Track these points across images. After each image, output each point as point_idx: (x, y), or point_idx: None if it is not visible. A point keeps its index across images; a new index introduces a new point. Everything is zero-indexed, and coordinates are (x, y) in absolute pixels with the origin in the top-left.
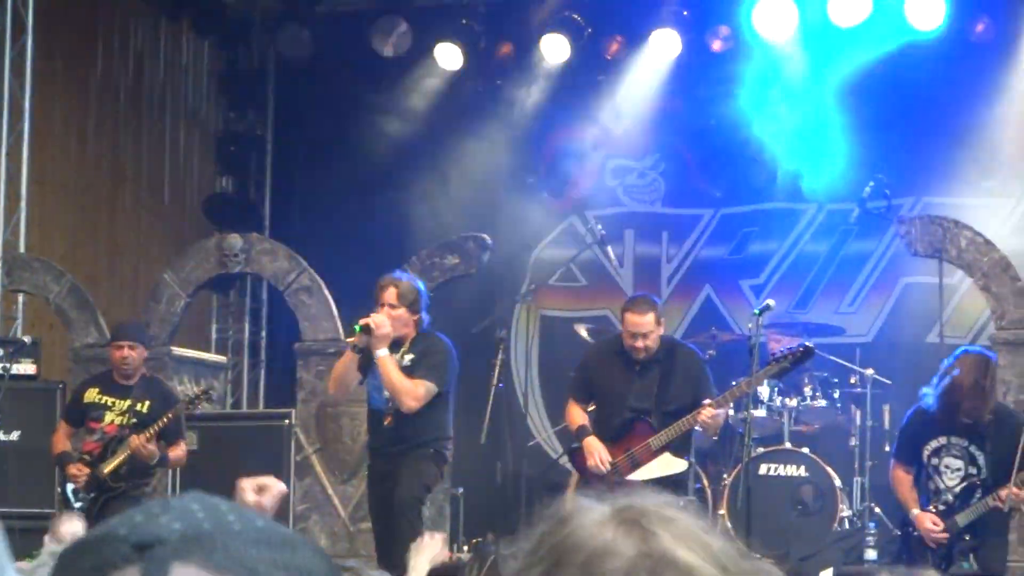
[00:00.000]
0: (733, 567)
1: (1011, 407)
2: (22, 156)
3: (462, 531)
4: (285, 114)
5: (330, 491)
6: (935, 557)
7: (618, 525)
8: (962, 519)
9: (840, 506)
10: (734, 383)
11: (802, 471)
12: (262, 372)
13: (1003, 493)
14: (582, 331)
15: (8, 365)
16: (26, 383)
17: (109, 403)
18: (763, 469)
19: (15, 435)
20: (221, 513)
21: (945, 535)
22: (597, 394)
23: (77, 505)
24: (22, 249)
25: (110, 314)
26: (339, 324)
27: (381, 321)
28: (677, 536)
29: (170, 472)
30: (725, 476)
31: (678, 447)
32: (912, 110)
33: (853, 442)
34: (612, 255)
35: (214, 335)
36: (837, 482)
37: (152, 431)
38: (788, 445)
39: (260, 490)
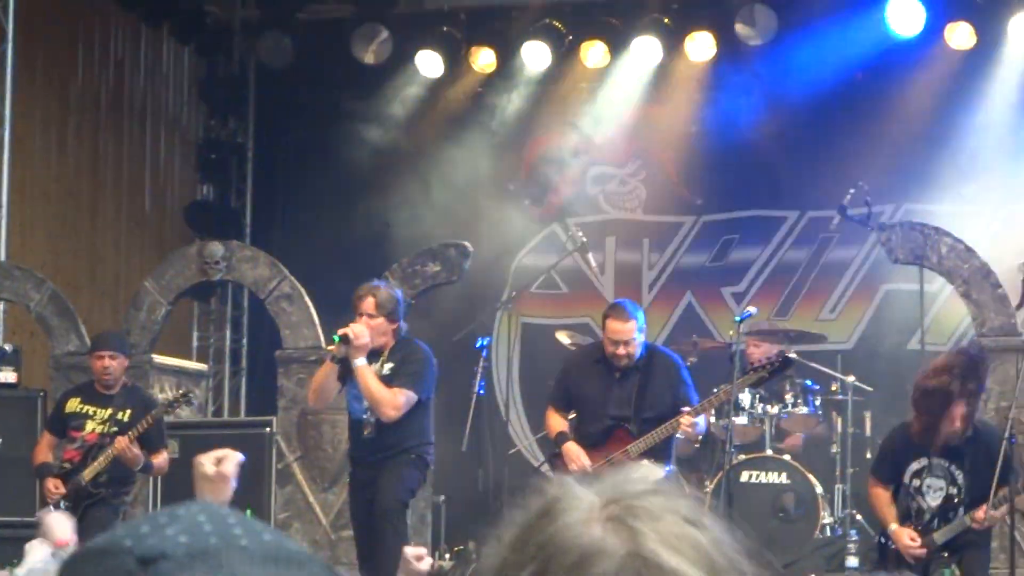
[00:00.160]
0: (724, 563)
1: (991, 423)
2: (2, 163)
3: (444, 538)
4: (266, 121)
5: (311, 499)
6: (914, 570)
7: (606, 522)
8: (940, 536)
9: (822, 513)
10: (715, 390)
11: (783, 478)
12: (243, 380)
13: (979, 514)
14: (563, 338)
15: None
16: (6, 391)
17: (90, 412)
18: (744, 476)
19: None
20: (228, 526)
21: (923, 551)
22: (576, 402)
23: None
24: (2, 257)
25: (91, 322)
26: (320, 332)
27: (360, 331)
28: (665, 536)
29: (151, 480)
30: (707, 483)
31: (658, 454)
32: (892, 116)
33: (834, 449)
34: (593, 262)
35: (195, 343)
36: (819, 489)
37: (134, 433)
38: (769, 452)
39: (218, 461)
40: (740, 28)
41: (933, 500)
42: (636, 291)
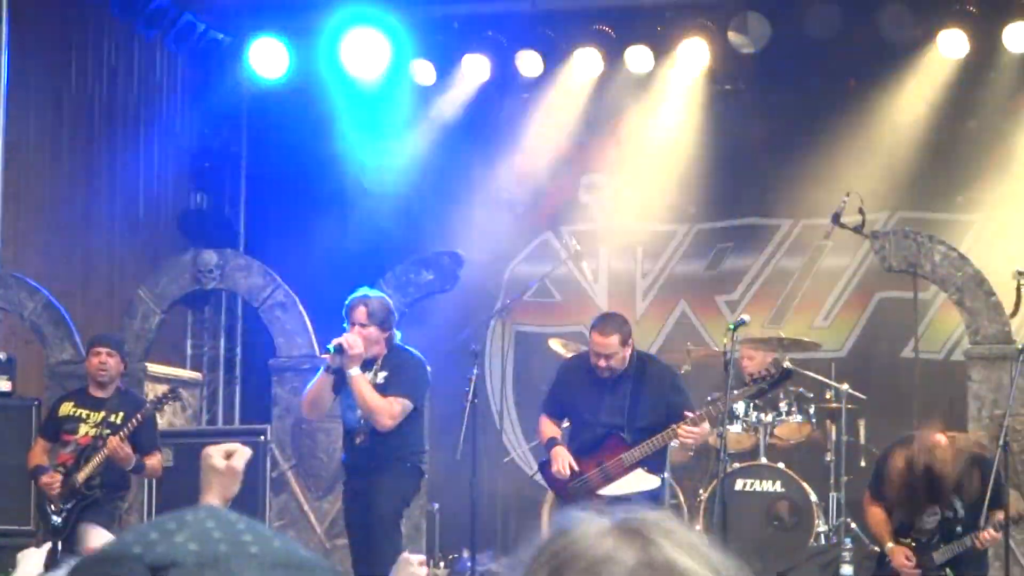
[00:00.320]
0: None
1: (988, 456)
2: None
3: (438, 547)
4: (260, 129)
5: (306, 507)
6: None
7: (619, 535)
8: (939, 556)
9: (816, 521)
10: (709, 399)
11: (778, 487)
12: (237, 388)
13: (984, 535)
14: (557, 346)
15: None
16: (1, 400)
17: (83, 415)
18: (739, 485)
19: None
20: (237, 533)
21: (918, 571)
22: (569, 409)
23: (55, 520)
24: None
25: (85, 330)
26: (314, 340)
27: (353, 341)
28: (677, 546)
29: (145, 487)
30: (701, 491)
31: (652, 463)
32: (886, 125)
33: (829, 457)
34: (587, 270)
35: (189, 351)
36: (813, 497)
37: (126, 432)
38: (764, 461)
39: (228, 455)
40: (733, 36)
41: (928, 523)
42: (630, 299)
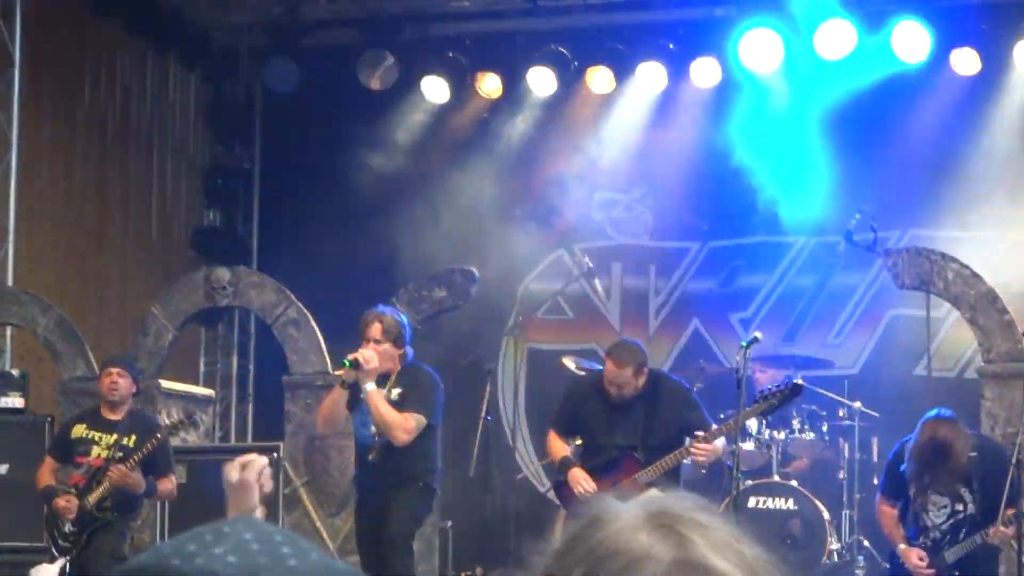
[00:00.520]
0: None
1: (998, 443)
2: (9, 189)
3: (451, 564)
4: (272, 147)
5: (318, 524)
6: None
7: (653, 530)
8: (951, 555)
9: (829, 539)
10: (722, 416)
11: (791, 504)
12: (250, 405)
13: (992, 531)
14: (569, 364)
15: None
16: (14, 416)
17: (96, 438)
18: (752, 502)
19: (3, 469)
20: (275, 545)
21: (932, 571)
22: (582, 429)
23: (64, 544)
24: (10, 282)
25: (98, 347)
26: (327, 357)
27: (369, 356)
28: (712, 543)
29: (158, 505)
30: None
31: (667, 481)
32: (898, 142)
33: (842, 475)
34: (600, 288)
35: (202, 368)
36: (826, 515)
37: (134, 459)
38: (776, 478)
39: (243, 468)
40: (745, 54)
41: (937, 518)
42: (643, 317)
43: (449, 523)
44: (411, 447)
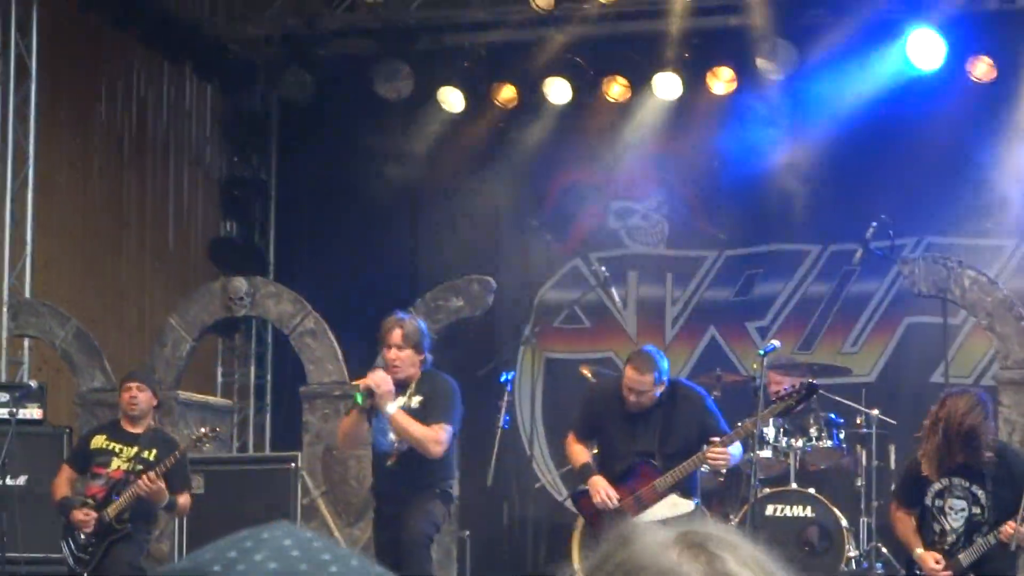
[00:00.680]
0: None
1: (1017, 448)
2: (27, 201)
3: (469, 573)
4: (289, 158)
5: (337, 534)
6: None
7: (683, 548)
8: (965, 558)
9: (847, 547)
10: (739, 425)
11: (808, 512)
12: (267, 415)
13: (1007, 529)
14: (587, 374)
15: (14, 410)
16: (32, 428)
17: (117, 449)
18: (769, 510)
19: (21, 480)
20: (315, 552)
21: (948, 574)
22: (600, 436)
23: (82, 554)
24: (27, 294)
25: (116, 358)
26: (344, 367)
27: (380, 379)
28: (741, 561)
29: (176, 516)
30: (731, 517)
31: (685, 488)
32: (915, 150)
33: (859, 482)
34: (616, 297)
35: (220, 379)
36: (844, 522)
37: (159, 470)
38: (794, 486)
39: None
40: (761, 62)
41: (955, 521)
42: (659, 326)
43: (467, 532)
44: (427, 457)
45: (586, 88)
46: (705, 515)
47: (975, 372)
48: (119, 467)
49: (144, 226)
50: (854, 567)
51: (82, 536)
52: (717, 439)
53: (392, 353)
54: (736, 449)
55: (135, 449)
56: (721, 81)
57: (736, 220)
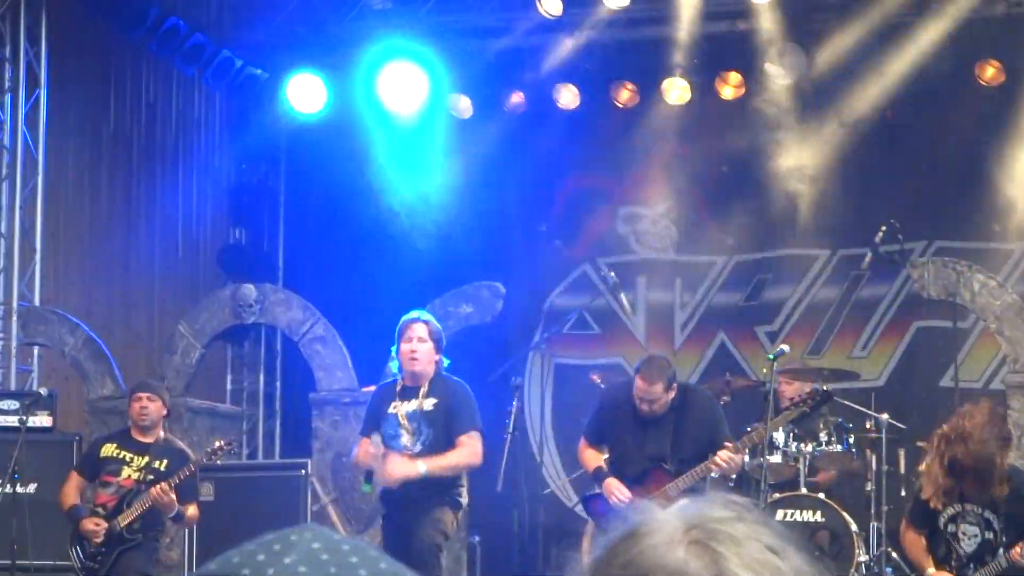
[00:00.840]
0: None
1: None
2: (36, 209)
3: None
4: (298, 164)
5: None
6: None
7: (689, 545)
8: None
9: (857, 551)
10: (749, 428)
11: (818, 517)
12: (277, 422)
13: (1016, 550)
14: (598, 381)
15: (24, 417)
16: (42, 435)
17: (127, 458)
18: (779, 515)
19: (31, 488)
20: (344, 554)
21: None
22: (612, 440)
23: (92, 564)
24: (37, 301)
25: (125, 366)
26: (353, 374)
27: (398, 468)
28: (747, 561)
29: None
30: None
31: (696, 493)
32: (923, 154)
33: (869, 487)
34: (625, 302)
35: (229, 386)
36: (854, 527)
37: (173, 481)
38: (804, 491)
39: None
40: (769, 67)
41: (968, 547)
42: (668, 331)
43: (477, 538)
44: None
45: (595, 94)
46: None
47: (984, 376)
48: (129, 476)
49: (153, 233)
50: (864, 572)
51: (92, 547)
52: (730, 444)
53: (413, 345)
54: (737, 456)
55: (146, 459)
56: (730, 86)
57: (745, 225)
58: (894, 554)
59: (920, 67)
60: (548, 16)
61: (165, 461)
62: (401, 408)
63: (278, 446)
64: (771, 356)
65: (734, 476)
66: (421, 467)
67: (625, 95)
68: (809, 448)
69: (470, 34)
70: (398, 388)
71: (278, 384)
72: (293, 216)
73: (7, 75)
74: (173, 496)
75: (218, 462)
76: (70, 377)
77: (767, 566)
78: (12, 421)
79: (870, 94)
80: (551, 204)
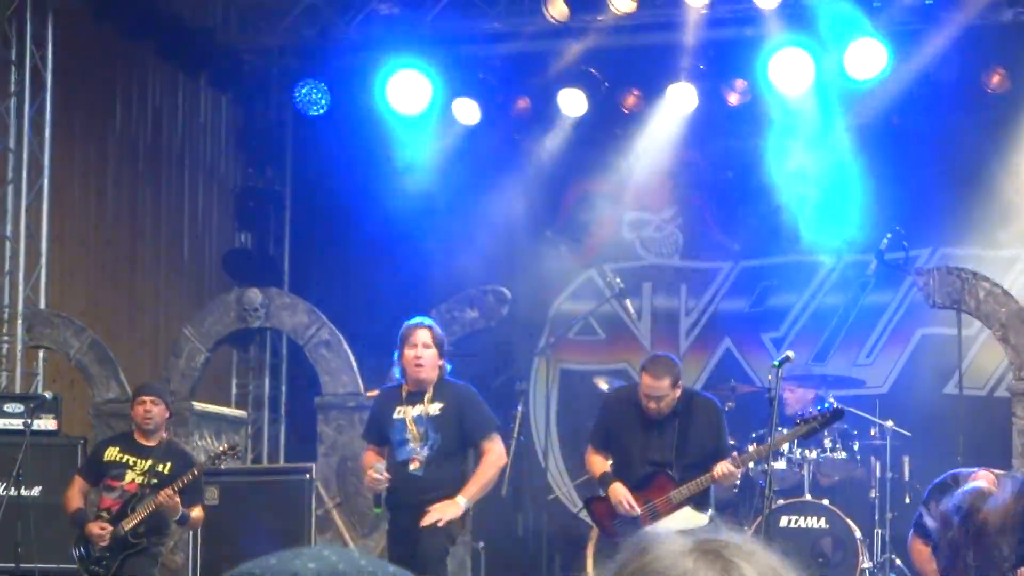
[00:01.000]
0: None
1: None
2: (42, 213)
3: None
4: (303, 169)
5: (351, 545)
6: None
7: (699, 556)
8: None
9: (861, 558)
10: (754, 435)
11: (823, 523)
12: (282, 427)
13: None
14: (602, 385)
15: (29, 421)
16: (47, 439)
17: (131, 462)
18: (784, 521)
19: (36, 491)
20: (354, 559)
21: None
22: (616, 445)
23: (96, 568)
24: (42, 305)
25: (131, 370)
26: (359, 378)
27: (446, 514)
28: (757, 569)
29: (188, 530)
30: (746, 528)
31: (699, 501)
32: (929, 161)
33: (873, 494)
34: (631, 308)
35: (234, 390)
36: (858, 534)
37: (177, 485)
38: (808, 497)
39: None
40: (774, 74)
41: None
42: (674, 337)
43: (481, 543)
44: (448, 464)
45: (601, 99)
46: (720, 527)
47: (989, 384)
48: (133, 480)
49: (159, 237)
50: None
51: (97, 551)
52: (737, 455)
53: (418, 351)
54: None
55: (149, 462)
56: (735, 92)
57: (750, 231)
58: (898, 561)
59: (927, 74)
60: (555, 22)
61: (169, 464)
62: (408, 413)
63: (283, 450)
64: (776, 363)
65: (737, 482)
66: (462, 502)
67: (631, 101)
68: (814, 455)
69: (477, 39)
70: (404, 393)
71: (283, 388)
72: (299, 221)
73: (13, 78)
74: (178, 500)
75: (223, 466)
76: (75, 380)
77: (777, 573)
78: (17, 424)
79: (877, 101)
80: (557, 209)
